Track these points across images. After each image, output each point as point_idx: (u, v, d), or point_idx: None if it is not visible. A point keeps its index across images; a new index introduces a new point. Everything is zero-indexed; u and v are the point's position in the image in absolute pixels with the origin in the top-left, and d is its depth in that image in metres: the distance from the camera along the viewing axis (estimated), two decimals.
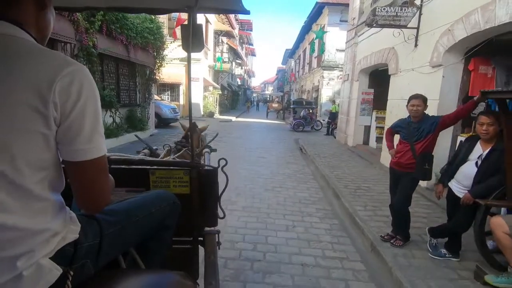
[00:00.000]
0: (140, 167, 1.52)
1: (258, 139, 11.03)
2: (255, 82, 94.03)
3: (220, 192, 1.58)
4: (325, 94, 18.58)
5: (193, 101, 19.49)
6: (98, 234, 0.91)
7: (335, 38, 17.93)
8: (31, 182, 0.71)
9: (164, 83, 17.49)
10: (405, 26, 5.49)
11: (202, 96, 18.82)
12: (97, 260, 0.91)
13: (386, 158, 6.53)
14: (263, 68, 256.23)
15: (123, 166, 1.48)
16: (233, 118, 19.32)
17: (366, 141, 9.17)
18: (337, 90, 18.63)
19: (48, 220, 0.75)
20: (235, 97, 35.56)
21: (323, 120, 18.86)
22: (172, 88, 17.93)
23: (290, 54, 38.32)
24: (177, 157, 1.97)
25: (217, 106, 21.37)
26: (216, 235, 1.62)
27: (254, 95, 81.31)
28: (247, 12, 1.47)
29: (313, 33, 13.70)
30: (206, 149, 2.19)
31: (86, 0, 1.47)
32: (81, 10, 1.69)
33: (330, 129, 13.22)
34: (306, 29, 24.01)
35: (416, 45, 5.49)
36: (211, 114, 19.05)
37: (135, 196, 1.20)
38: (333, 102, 14.00)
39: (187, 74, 16.72)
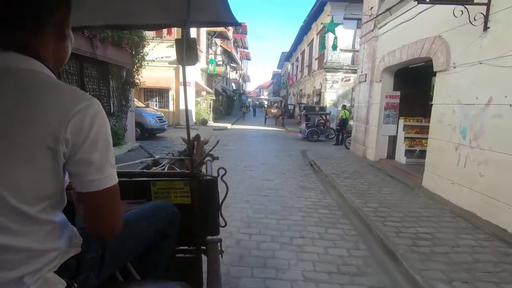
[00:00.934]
0: (141, 179, 1.55)
1: (259, 151, 9.37)
2: (250, 87, 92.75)
3: (220, 201, 1.61)
4: (329, 98, 17.04)
5: (183, 107, 17.68)
6: (101, 246, 0.94)
7: (339, 37, 16.46)
8: (38, 210, 0.73)
9: (152, 88, 15.80)
10: (470, 1, 3.91)
11: (194, 102, 17.15)
12: (100, 271, 0.94)
13: (432, 180, 4.90)
14: (258, 73, 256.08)
15: (125, 179, 1.50)
16: (229, 126, 17.67)
17: (391, 155, 7.57)
18: (341, 93, 17.13)
19: (54, 240, 0.79)
20: (230, 102, 33.96)
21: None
22: (161, 93, 16.23)
23: (287, 57, 36.95)
24: (179, 167, 2.00)
25: (211, 113, 19.70)
26: (219, 243, 1.63)
27: (250, 100, 79.97)
28: (238, 24, 1.56)
29: (323, 26, 12.06)
30: (208, 158, 2.08)
31: (82, 20, 1.49)
32: (78, 29, 1.58)
33: (340, 138, 11.66)
34: (305, 29, 22.59)
35: (486, 28, 3.90)
36: (204, 122, 17.36)
37: (136, 208, 1.23)
38: (343, 107, 12.43)
39: (181, 80, 14.55)
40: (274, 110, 20.39)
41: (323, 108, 15.76)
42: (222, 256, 1.68)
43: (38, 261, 0.75)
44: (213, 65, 18.31)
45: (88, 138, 0.73)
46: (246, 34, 39.04)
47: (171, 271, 1.32)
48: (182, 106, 16.47)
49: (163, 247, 1.27)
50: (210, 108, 19.78)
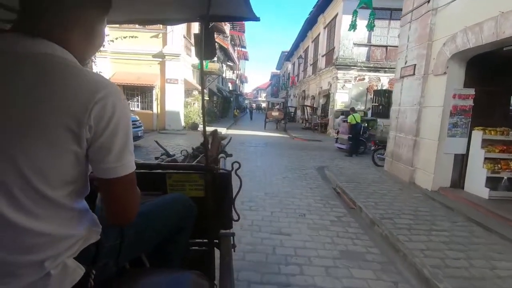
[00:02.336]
0: (158, 171, 1.57)
1: (262, 170, 6.93)
2: (247, 89, 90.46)
3: (234, 195, 1.61)
4: (340, 100, 14.67)
5: (170, 108, 14.10)
6: (119, 236, 0.96)
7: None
8: (61, 195, 0.75)
9: (131, 85, 13.31)
10: None
11: (183, 102, 14.68)
12: (118, 260, 0.96)
13: None
14: (255, 76, 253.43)
15: (142, 171, 1.52)
16: (224, 130, 15.20)
17: (457, 182, 5.17)
18: (355, 95, 14.76)
19: (75, 226, 0.80)
20: (226, 104, 31.49)
21: (337, 134, 14.97)
22: (143, 92, 13.75)
23: (287, 56, 34.67)
24: (197, 161, 1.93)
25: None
26: (231, 237, 1.64)
27: (247, 101, 77.60)
28: (257, 19, 1.53)
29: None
30: (222, 154, 2.15)
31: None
32: None
33: (355, 149, 9.35)
34: (310, 23, 20.26)
35: None
36: (194, 126, 14.86)
37: (153, 199, 1.24)
38: (352, 110, 10.07)
39: (167, 77, 12.81)
40: (275, 113, 17.98)
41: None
42: (234, 251, 1.67)
43: (59, 246, 0.77)
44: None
45: (109, 125, 0.75)
46: (244, 32, 36.82)
47: (183, 263, 1.34)
48: (168, 107, 13.97)
49: (179, 239, 1.28)
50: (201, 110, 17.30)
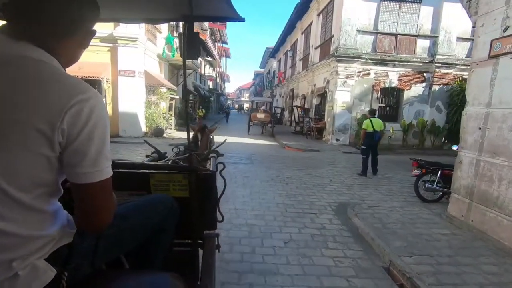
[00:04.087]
0: (141, 171, 1.54)
1: (248, 228, 4.01)
2: (230, 88, 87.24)
3: (218, 195, 1.59)
4: (340, 99, 11.96)
5: (125, 109, 10.13)
6: (95, 236, 0.93)
7: (355, 12, 11.51)
8: (31, 197, 0.74)
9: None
10: None
11: (143, 101, 11.47)
12: (93, 261, 0.93)
13: None
14: (239, 75, 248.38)
15: (126, 170, 1.50)
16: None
17: None
18: (358, 93, 12.10)
19: (47, 228, 0.79)
20: (205, 104, 28.27)
21: (337, 141, 12.28)
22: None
23: (272, 53, 31.87)
24: (183, 161, 1.97)
25: (173, 117, 14.03)
26: (216, 238, 1.64)
27: (229, 101, 74.38)
28: (241, 20, 1.51)
29: None
30: (213, 154, 2.15)
31: None
32: None
33: (373, 166, 6.75)
34: (299, 12, 17.52)
35: None
36: (159, 132, 11.65)
37: (135, 199, 1.24)
38: (372, 113, 7.33)
39: (120, 68, 11.11)
40: (261, 115, 15.04)
41: None
42: (219, 251, 1.70)
43: (28, 247, 0.75)
44: (170, 45, 12.59)
45: (84, 130, 0.74)
46: (225, 27, 33.74)
47: (168, 263, 1.32)
48: (123, 107, 10.71)
49: (161, 240, 1.26)
50: (172, 111, 14.11)
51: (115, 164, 1.34)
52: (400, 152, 11.33)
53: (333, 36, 12.60)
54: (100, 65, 10.13)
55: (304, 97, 17.88)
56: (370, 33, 11.84)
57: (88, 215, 0.82)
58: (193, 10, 1.30)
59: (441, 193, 4.98)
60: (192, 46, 1.44)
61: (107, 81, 10.31)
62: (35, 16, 0.76)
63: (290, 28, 21.00)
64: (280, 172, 6.69)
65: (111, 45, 10.36)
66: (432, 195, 5.05)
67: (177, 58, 14.71)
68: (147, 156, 2.17)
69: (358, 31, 11.66)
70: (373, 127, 6.97)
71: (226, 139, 2.46)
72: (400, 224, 3.86)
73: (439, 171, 4.94)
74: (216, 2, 1.41)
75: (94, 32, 0.90)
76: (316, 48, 15.39)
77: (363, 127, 7.25)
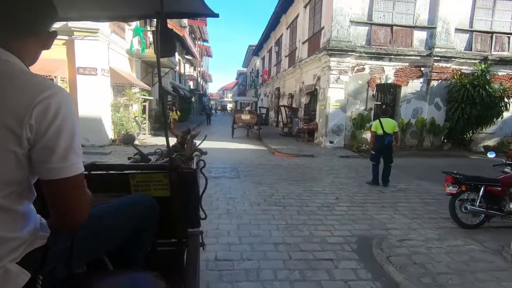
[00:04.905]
0: (120, 172, 1.52)
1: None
2: (212, 89, 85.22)
3: (200, 193, 1.58)
4: (334, 97, 10.84)
5: (86, 113, 8.04)
6: (69, 238, 0.91)
7: (348, 1, 10.42)
8: (1, 197, 0.73)
9: None
10: None
11: (109, 103, 9.87)
12: (70, 263, 0.92)
13: None
14: (221, 75, 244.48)
15: (105, 172, 1.51)
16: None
17: None
18: (353, 90, 11.01)
19: (17, 229, 0.77)
20: (186, 105, 26.60)
21: (330, 143, 11.15)
22: None
23: (256, 51, 30.57)
24: (167, 162, 1.78)
25: (147, 122, 12.44)
26: (200, 235, 1.62)
27: (212, 102, 72.52)
28: (215, 15, 1.51)
29: None
30: (196, 152, 2.12)
31: (59, 13, 1.42)
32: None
33: (384, 176, 5.66)
34: (283, 6, 16.33)
35: None
36: (129, 139, 10.01)
37: (111, 200, 1.21)
38: (384, 112, 6.18)
39: (78, 65, 7.64)
40: (246, 117, 13.68)
41: None
42: (204, 249, 1.71)
43: (0, 249, 0.74)
44: (140, 38, 11.00)
45: (52, 125, 0.74)
46: (206, 24, 32.17)
47: (153, 263, 1.32)
48: (83, 111, 9.04)
49: (141, 240, 1.25)
50: (145, 114, 12.53)
51: (95, 166, 1.46)
52: (400, 155, 10.33)
53: (323, 28, 11.47)
54: (54, 62, 8.46)
55: (292, 96, 16.71)
56: (364, 23, 10.78)
57: (62, 213, 0.81)
58: (165, 6, 1.25)
59: (483, 216, 3.86)
60: (167, 43, 1.42)
61: (62, 80, 8.66)
62: None
63: (274, 22, 19.77)
64: (274, 189, 5.40)
65: (66, 37, 8.72)
66: (471, 217, 3.93)
67: (150, 54, 13.16)
68: (129, 159, 2.15)
69: (351, 21, 10.57)
70: (383, 129, 5.82)
71: (206, 135, 2.36)
72: (456, 276, 2.66)
73: (482, 188, 3.82)
74: None
75: (55, 33, 0.91)
76: (303, 42, 14.24)
77: (372, 129, 6.11)
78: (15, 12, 0.79)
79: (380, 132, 5.86)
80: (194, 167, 1.76)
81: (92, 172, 1.44)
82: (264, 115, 22.13)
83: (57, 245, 0.86)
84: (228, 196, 4.82)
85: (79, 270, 1.02)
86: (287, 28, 17.96)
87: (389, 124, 5.90)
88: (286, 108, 16.02)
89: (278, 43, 20.00)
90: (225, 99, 75.47)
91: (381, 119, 5.95)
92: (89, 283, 0.94)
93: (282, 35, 19.08)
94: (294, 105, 15.62)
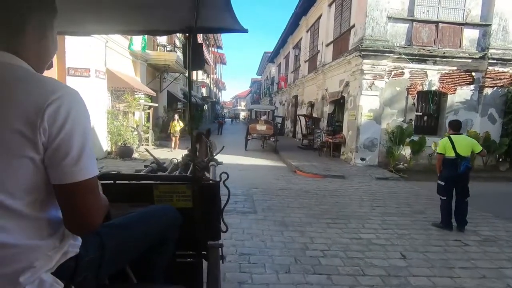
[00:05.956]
0: (144, 182, 1.55)
1: None
2: (226, 97, 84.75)
3: (222, 205, 1.57)
4: (367, 106, 9.16)
5: None
6: (99, 248, 0.92)
7: None
8: (22, 204, 0.72)
9: None
10: None
11: (105, 110, 8.56)
12: (98, 273, 0.93)
13: None
14: (235, 83, 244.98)
15: (128, 182, 1.53)
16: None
17: None
18: (388, 98, 9.33)
19: (44, 237, 0.77)
20: (198, 113, 25.37)
21: (362, 160, 9.41)
22: None
23: (271, 57, 29.30)
24: (184, 172, 1.93)
25: (150, 131, 11.05)
26: (220, 249, 1.61)
27: (226, 110, 71.67)
28: (245, 31, 1.52)
29: None
30: (212, 162, 2.08)
31: (92, 26, 1.57)
32: (86, 35, 1.72)
33: (459, 216, 3.94)
34: (306, 5, 14.90)
35: None
36: (126, 151, 8.67)
37: (137, 210, 1.22)
38: (455, 127, 4.45)
39: (68, 65, 6.90)
40: (261, 127, 12.11)
41: None
42: (223, 262, 1.68)
43: (29, 258, 0.73)
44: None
45: (65, 126, 0.72)
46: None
47: (171, 275, 1.31)
48: None
49: (164, 250, 1.25)
50: (149, 122, 11.19)
51: (117, 176, 1.50)
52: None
53: (353, 26, 9.89)
54: None
55: (312, 105, 15.11)
56: (404, 20, 9.15)
57: (75, 217, 0.78)
58: (198, 22, 1.29)
59: None
60: (196, 57, 1.44)
61: None
62: None
63: (292, 26, 18.40)
64: (306, 235, 3.75)
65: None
66: None
67: (157, 56, 11.94)
68: (145, 166, 2.10)
69: (389, 17, 8.96)
70: (455, 150, 4.15)
71: (224, 146, 2.32)
72: None
73: None
74: (220, 14, 1.39)
75: (52, 28, 0.86)
76: (327, 45, 12.70)
77: (438, 150, 4.43)
78: (6, 10, 0.76)
79: (451, 154, 4.18)
80: (211, 177, 1.76)
81: (117, 182, 1.47)
82: (279, 125, 20.58)
83: (88, 254, 0.86)
84: (240, 251, 3.21)
85: (105, 282, 1.01)
86: (307, 31, 16.50)
87: (464, 144, 4.21)
88: (306, 118, 14.40)
89: (297, 47, 18.54)
90: (238, 107, 74.55)
91: (451, 136, 4.28)
92: None
93: (301, 39, 17.63)
94: (315, 115, 13.99)
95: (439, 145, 4.41)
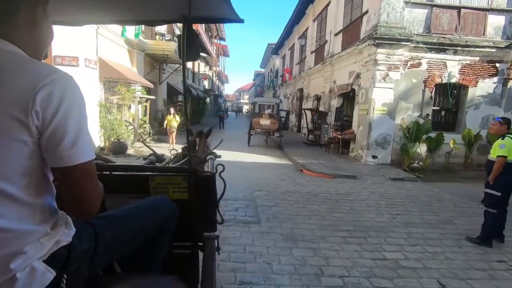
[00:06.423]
0: (140, 173, 1.54)
1: None
2: (228, 90, 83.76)
3: (218, 197, 1.57)
4: (380, 100, 8.44)
5: None
6: (93, 239, 0.91)
7: None
8: (16, 188, 0.72)
9: None
10: None
11: (97, 103, 7.94)
12: (92, 264, 0.92)
13: None
14: (238, 76, 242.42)
15: (124, 173, 1.53)
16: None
17: None
18: (404, 91, 8.60)
19: (36, 223, 0.76)
20: (199, 106, 24.70)
21: (374, 158, 8.74)
22: None
23: (275, 49, 28.36)
24: (183, 164, 1.90)
25: (147, 125, 10.43)
26: (215, 240, 1.62)
27: (229, 104, 70.80)
28: (241, 21, 1.50)
29: None
30: (211, 156, 2.09)
31: (85, 16, 1.57)
32: (81, 24, 1.73)
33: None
34: None
35: None
36: (120, 147, 8.08)
37: (135, 202, 1.22)
38: (506, 124, 3.75)
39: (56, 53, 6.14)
40: (265, 121, 11.44)
41: None
42: (219, 253, 1.70)
43: (19, 242, 0.73)
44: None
45: (59, 110, 0.72)
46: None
47: (168, 266, 1.32)
48: None
49: (161, 242, 1.25)
50: (145, 116, 10.57)
51: (114, 167, 1.50)
52: (466, 176, 7.83)
53: (366, 12, 9.10)
54: None
55: (318, 98, 14.37)
56: (423, 5, 8.34)
57: (74, 201, 0.80)
58: (192, 11, 1.28)
59: None
60: (191, 47, 1.41)
61: None
62: None
63: (298, 15, 17.54)
64: (320, 254, 3.13)
65: None
66: None
67: (155, 45, 11.25)
68: (144, 159, 2.13)
69: (406, 2, 8.16)
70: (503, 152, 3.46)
71: (222, 139, 2.22)
72: None
73: None
74: (215, 3, 1.39)
75: (46, 16, 0.84)
76: (336, 34, 11.90)
77: (502, 153, 3.56)
78: None
79: (501, 155, 3.49)
80: (210, 170, 1.76)
81: (113, 173, 1.46)
82: (284, 119, 19.85)
83: (81, 245, 0.85)
84: (240, 279, 2.58)
85: (99, 272, 1.00)
86: (314, 20, 15.65)
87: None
88: (312, 112, 13.69)
89: (304, 37, 17.70)
90: (242, 101, 73.59)
91: (509, 135, 3.58)
92: (114, 286, 0.93)
93: (307, 28, 16.77)
94: (321, 109, 13.28)
95: (504, 146, 3.59)
